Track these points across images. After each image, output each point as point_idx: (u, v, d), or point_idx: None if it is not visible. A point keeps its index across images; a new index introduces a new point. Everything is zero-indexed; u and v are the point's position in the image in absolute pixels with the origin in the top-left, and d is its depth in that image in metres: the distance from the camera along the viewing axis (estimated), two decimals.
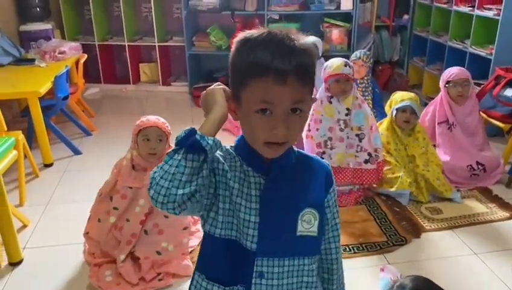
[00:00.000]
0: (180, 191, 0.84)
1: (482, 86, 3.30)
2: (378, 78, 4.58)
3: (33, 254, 2.27)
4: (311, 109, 2.73)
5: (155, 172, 0.87)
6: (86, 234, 2.20)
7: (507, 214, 2.57)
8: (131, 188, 2.12)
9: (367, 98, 3.52)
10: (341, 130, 2.70)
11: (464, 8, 3.80)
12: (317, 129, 2.70)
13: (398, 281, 1.34)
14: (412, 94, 2.82)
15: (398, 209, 2.63)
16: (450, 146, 2.93)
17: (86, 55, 4.06)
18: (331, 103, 2.70)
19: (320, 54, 3.74)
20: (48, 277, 2.10)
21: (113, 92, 5.00)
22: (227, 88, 0.94)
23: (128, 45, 4.86)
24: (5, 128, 2.54)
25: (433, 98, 4.22)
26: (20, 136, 2.71)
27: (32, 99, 3.04)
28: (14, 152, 2.22)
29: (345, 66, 2.64)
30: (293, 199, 0.97)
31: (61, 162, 3.30)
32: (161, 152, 2.10)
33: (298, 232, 0.96)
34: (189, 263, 2.14)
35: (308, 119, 2.70)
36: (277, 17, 4.58)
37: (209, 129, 0.88)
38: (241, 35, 0.92)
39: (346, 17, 4.49)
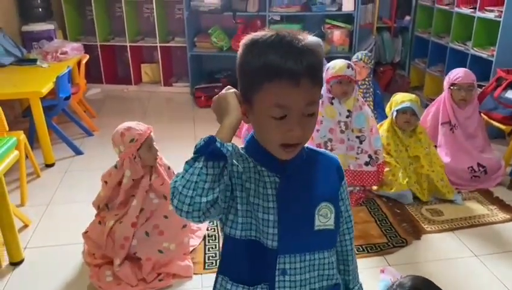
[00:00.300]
0: (204, 199, 0.85)
1: (483, 87, 3.29)
2: (380, 80, 4.58)
3: (34, 254, 2.28)
4: None
5: (175, 181, 0.87)
6: (85, 233, 2.20)
7: (508, 216, 2.57)
8: (133, 196, 2.12)
9: (368, 99, 3.52)
10: (342, 131, 2.70)
11: (466, 10, 3.80)
12: (317, 130, 2.70)
13: (398, 280, 1.34)
14: (412, 95, 2.82)
15: (398, 211, 2.63)
16: (451, 147, 2.92)
17: (87, 56, 4.07)
18: (332, 104, 2.70)
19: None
20: (48, 277, 2.11)
21: (115, 92, 5.01)
22: (237, 92, 0.94)
23: (130, 46, 4.87)
24: (7, 128, 2.54)
25: (434, 100, 4.24)
26: (22, 136, 2.72)
27: (34, 99, 3.05)
28: (16, 152, 2.22)
29: (348, 67, 2.64)
30: (309, 194, 0.99)
31: (62, 162, 3.31)
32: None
33: (316, 226, 0.98)
34: (190, 264, 2.15)
35: None
36: (278, 18, 4.58)
37: (226, 135, 0.89)
38: (248, 38, 0.91)
39: (348, 18, 4.50)
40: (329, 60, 2.84)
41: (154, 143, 2.12)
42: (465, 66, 3.72)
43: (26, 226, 2.50)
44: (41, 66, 3.63)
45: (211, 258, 2.23)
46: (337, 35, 4.57)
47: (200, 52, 4.82)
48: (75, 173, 3.16)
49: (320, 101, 2.71)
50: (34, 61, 3.71)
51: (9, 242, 2.18)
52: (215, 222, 2.47)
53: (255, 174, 0.96)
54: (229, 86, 0.97)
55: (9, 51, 3.73)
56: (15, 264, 2.19)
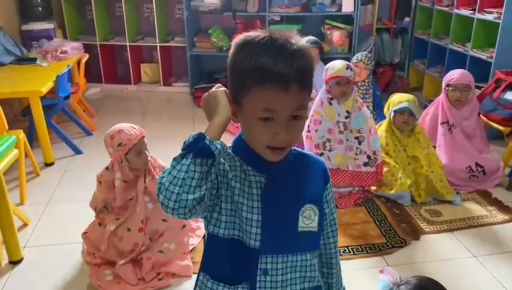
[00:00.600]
0: (191, 197, 0.85)
1: (482, 89, 3.30)
2: (379, 81, 4.58)
3: (33, 253, 2.28)
4: (311, 110, 2.76)
5: (162, 177, 0.87)
6: (84, 233, 2.20)
7: (506, 217, 2.58)
8: (131, 199, 2.10)
9: (368, 100, 3.53)
10: (340, 132, 2.70)
11: (465, 11, 3.81)
12: (316, 130, 2.71)
13: (403, 280, 1.34)
14: (410, 96, 2.83)
15: (397, 212, 2.64)
16: (449, 147, 2.93)
17: (87, 55, 4.07)
18: (331, 104, 2.71)
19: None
20: (48, 276, 2.11)
21: (114, 92, 5.01)
22: (227, 90, 0.94)
23: (129, 45, 4.87)
24: (6, 127, 2.55)
25: (433, 101, 4.25)
26: (21, 135, 2.72)
27: (34, 98, 3.05)
28: (15, 151, 2.22)
29: (347, 68, 2.65)
30: (293, 196, 0.99)
31: (62, 161, 3.31)
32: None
33: (299, 228, 0.98)
34: (190, 263, 2.15)
35: (308, 119, 2.71)
36: (278, 19, 4.59)
37: (215, 133, 0.88)
38: (240, 38, 0.91)
39: (347, 19, 4.51)
40: (328, 60, 2.85)
41: (147, 147, 2.08)
42: (464, 68, 3.73)
43: (25, 225, 2.51)
44: (41, 65, 3.63)
45: None
46: (336, 36, 4.58)
47: (200, 52, 4.82)
48: (74, 172, 3.16)
49: (320, 102, 2.74)
50: (33, 60, 3.71)
51: (9, 241, 2.18)
52: None
53: (241, 173, 0.96)
54: (219, 84, 0.97)
55: (9, 50, 3.74)
56: (14, 263, 2.19)
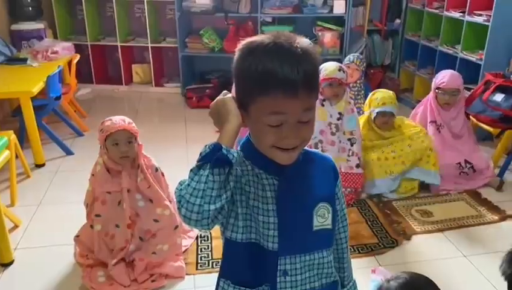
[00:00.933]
0: (213, 207, 0.85)
1: (472, 90, 3.34)
2: (370, 82, 4.60)
3: (24, 254, 2.27)
4: None
5: (181, 190, 0.87)
6: (77, 237, 2.18)
7: (496, 217, 2.61)
8: (109, 193, 2.08)
9: (359, 101, 3.55)
10: (332, 133, 2.72)
11: (455, 14, 3.85)
12: None
13: (393, 276, 1.35)
14: (390, 93, 2.87)
15: (389, 212, 2.66)
16: (439, 145, 2.95)
17: (78, 56, 4.04)
18: (323, 106, 2.72)
19: None
20: (39, 278, 2.10)
21: (105, 92, 4.99)
22: (234, 96, 0.94)
23: (121, 46, 4.84)
24: None
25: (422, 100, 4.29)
26: (12, 136, 2.69)
27: (25, 99, 3.03)
28: (7, 152, 2.21)
29: (339, 70, 2.67)
30: (307, 195, 1.00)
31: (53, 162, 3.28)
32: (133, 154, 2.05)
33: (314, 227, 0.99)
34: (183, 264, 2.15)
35: None
36: (270, 20, 4.60)
37: (229, 141, 0.89)
38: (245, 44, 0.91)
39: (339, 20, 4.53)
40: (320, 62, 2.87)
41: (139, 148, 2.09)
42: (454, 69, 3.76)
43: (16, 226, 2.48)
44: (31, 66, 3.60)
45: (203, 258, 2.24)
46: (328, 37, 4.60)
47: (192, 53, 4.82)
48: (65, 174, 3.14)
49: None
50: (24, 60, 3.67)
51: None
52: None
53: (253, 177, 0.96)
54: (225, 91, 0.97)
55: None
56: (5, 265, 2.17)
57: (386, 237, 2.42)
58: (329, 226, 1.02)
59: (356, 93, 3.57)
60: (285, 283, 0.98)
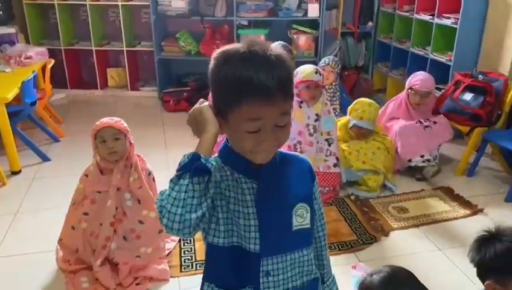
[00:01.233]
0: (194, 215, 0.88)
1: (442, 90, 3.46)
2: (344, 83, 4.70)
3: (4, 263, 2.23)
4: None
5: (162, 200, 0.89)
6: (60, 240, 2.18)
7: (468, 212, 2.72)
8: (99, 192, 2.11)
9: (335, 102, 3.63)
10: (310, 134, 2.78)
11: (425, 16, 3.98)
12: None
13: (375, 270, 1.39)
14: (372, 108, 2.96)
15: (366, 209, 2.74)
16: (405, 116, 3.20)
17: (53, 60, 3.99)
18: (301, 107, 2.78)
19: None
20: (21, 287, 2.07)
21: (80, 97, 4.92)
22: (211, 104, 0.96)
23: (95, 50, 4.79)
24: None
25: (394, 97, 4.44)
26: None
27: None
28: None
29: (316, 73, 2.73)
30: (285, 197, 1.03)
31: (29, 169, 3.23)
32: (122, 151, 2.09)
33: (294, 227, 1.02)
34: (166, 267, 2.17)
35: None
36: (246, 23, 4.64)
37: (207, 149, 0.92)
38: (219, 53, 0.93)
39: (313, 23, 4.61)
40: (296, 64, 2.93)
41: (132, 147, 2.15)
42: (425, 70, 3.89)
43: None
44: (4, 71, 3.54)
45: (187, 261, 2.26)
46: (303, 40, 4.68)
47: (168, 56, 4.81)
48: (43, 180, 3.10)
49: None
50: None
51: None
52: None
53: (232, 182, 0.99)
54: (202, 99, 0.99)
55: None
56: None
57: (365, 233, 2.49)
58: (308, 226, 1.05)
59: (332, 94, 3.64)
60: (268, 283, 1.00)
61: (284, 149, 1.09)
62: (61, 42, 4.76)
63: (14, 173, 3.16)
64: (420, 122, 3.14)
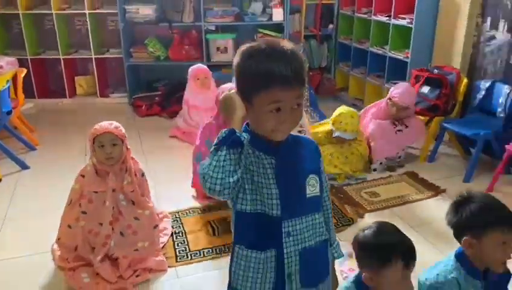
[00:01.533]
0: (231, 179, 1.09)
1: None
2: (310, 83, 4.95)
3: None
4: None
5: (204, 169, 1.10)
6: (58, 239, 2.24)
7: (432, 193, 3.00)
8: (96, 192, 2.21)
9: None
10: None
11: (382, 18, 4.28)
12: None
13: (364, 228, 1.55)
14: (354, 120, 3.12)
15: (342, 196, 2.96)
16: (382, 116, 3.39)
17: (25, 70, 3.98)
18: None
19: None
20: (21, 287, 2.13)
21: (49, 106, 4.89)
22: (238, 91, 1.17)
23: (63, 59, 4.79)
24: None
25: (359, 99, 4.70)
26: None
27: None
28: None
29: None
30: (299, 170, 1.23)
31: (9, 177, 3.24)
32: (118, 155, 2.18)
33: (307, 194, 1.23)
34: (163, 258, 2.28)
35: None
36: (213, 28, 4.79)
37: (239, 127, 1.13)
38: (245, 48, 1.15)
39: (278, 27, 4.82)
40: None
41: (128, 152, 2.24)
42: (384, 68, 4.21)
43: None
44: None
45: (181, 251, 2.38)
46: None
47: (137, 62, 4.89)
48: (25, 187, 3.11)
49: None
50: None
51: None
52: (179, 220, 2.62)
53: (254, 159, 1.18)
54: (231, 87, 1.20)
55: None
56: None
57: (343, 217, 2.71)
58: (318, 193, 1.26)
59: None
60: (289, 242, 1.20)
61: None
62: (27, 52, 4.72)
63: None
64: (394, 124, 3.31)
